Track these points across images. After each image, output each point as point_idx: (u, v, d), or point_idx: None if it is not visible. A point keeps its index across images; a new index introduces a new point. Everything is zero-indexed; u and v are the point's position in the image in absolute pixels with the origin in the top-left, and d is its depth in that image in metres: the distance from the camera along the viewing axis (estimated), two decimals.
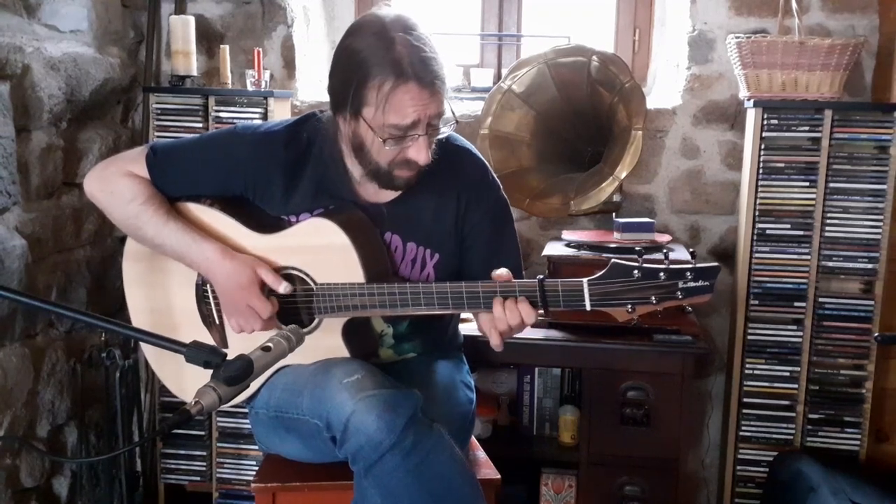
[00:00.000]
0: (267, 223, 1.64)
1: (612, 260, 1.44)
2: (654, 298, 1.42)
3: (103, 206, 1.68)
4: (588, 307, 1.44)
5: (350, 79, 1.48)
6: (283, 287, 1.58)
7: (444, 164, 1.60)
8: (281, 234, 1.62)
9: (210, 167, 1.65)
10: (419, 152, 1.51)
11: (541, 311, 1.49)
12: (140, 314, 1.76)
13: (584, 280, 1.44)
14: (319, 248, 1.57)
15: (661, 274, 1.41)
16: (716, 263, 1.43)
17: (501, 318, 1.47)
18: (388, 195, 1.64)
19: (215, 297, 1.67)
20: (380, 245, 1.62)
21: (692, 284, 1.41)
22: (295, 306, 1.63)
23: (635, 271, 1.42)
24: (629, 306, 1.43)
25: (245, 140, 1.64)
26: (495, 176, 1.73)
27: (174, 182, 1.66)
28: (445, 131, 1.55)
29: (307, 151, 1.63)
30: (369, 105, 1.47)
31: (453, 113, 1.54)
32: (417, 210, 1.64)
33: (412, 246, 1.66)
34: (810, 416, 2.32)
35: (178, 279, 1.69)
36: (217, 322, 1.69)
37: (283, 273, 1.62)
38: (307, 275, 1.60)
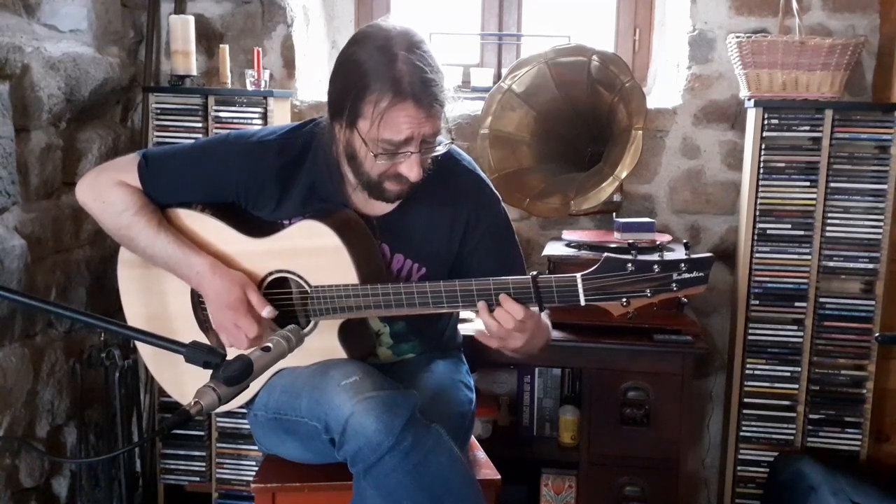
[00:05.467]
0: (259, 227, 1.64)
1: (606, 254, 1.44)
2: (648, 291, 1.41)
3: (95, 215, 1.68)
4: (582, 302, 1.44)
5: (349, 89, 1.48)
6: (266, 311, 1.57)
7: (441, 180, 1.59)
8: (273, 237, 1.61)
9: (202, 177, 1.64)
10: (411, 169, 1.50)
11: (535, 309, 1.48)
12: (137, 320, 1.75)
13: (578, 275, 1.43)
14: (312, 250, 1.57)
15: (655, 266, 1.40)
16: (709, 254, 1.43)
17: (491, 324, 1.46)
18: (381, 208, 1.63)
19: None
20: (373, 245, 1.62)
21: (686, 276, 1.41)
22: (291, 309, 1.63)
23: (629, 265, 1.41)
24: (624, 300, 1.42)
25: (237, 149, 1.63)
26: (494, 189, 1.72)
27: (165, 191, 1.65)
28: (440, 150, 1.54)
29: (301, 158, 1.62)
30: (365, 118, 1.47)
31: (450, 132, 1.54)
32: (409, 223, 1.63)
33: (399, 257, 1.65)
34: (811, 416, 2.32)
35: (173, 284, 1.69)
36: (214, 327, 1.69)
37: (277, 277, 1.62)
38: (301, 277, 1.59)
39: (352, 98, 1.47)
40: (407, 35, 1.48)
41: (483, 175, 1.71)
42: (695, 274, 1.41)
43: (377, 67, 1.44)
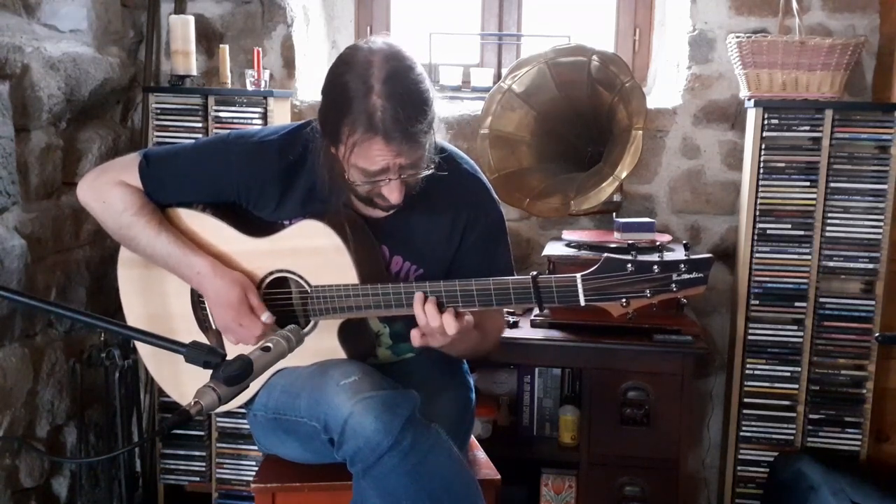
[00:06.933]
0: (259, 226, 1.63)
1: (605, 255, 1.44)
2: (648, 292, 1.41)
3: (96, 215, 1.68)
4: (582, 302, 1.44)
5: (330, 111, 1.48)
6: (265, 317, 1.57)
7: (442, 184, 1.57)
8: (273, 237, 1.61)
9: (203, 177, 1.64)
10: (391, 193, 1.49)
11: (537, 311, 1.49)
12: (136, 319, 1.75)
13: (578, 275, 1.43)
14: (312, 250, 1.57)
15: (655, 267, 1.40)
16: (709, 255, 1.43)
17: (422, 319, 1.47)
18: (380, 211, 1.63)
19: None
20: (373, 245, 1.61)
21: (686, 276, 1.41)
22: (291, 309, 1.63)
23: (629, 265, 1.41)
24: (623, 300, 1.43)
25: (238, 150, 1.62)
26: (494, 193, 1.71)
27: (166, 191, 1.65)
28: (424, 173, 1.51)
29: (302, 159, 1.61)
30: (341, 144, 1.46)
31: (433, 155, 1.51)
32: (409, 225, 1.63)
33: (398, 259, 1.65)
34: (811, 416, 2.32)
35: (173, 284, 1.69)
36: (214, 327, 1.69)
37: (277, 276, 1.62)
38: (301, 277, 1.60)
39: (331, 121, 1.47)
40: (391, 61, 1.44)
41: (483, 178, 1.71)
42: (694, 275, 1.41)
43: (355, 97, 1.42)
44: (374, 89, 1.42)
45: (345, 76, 1.45)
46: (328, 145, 1.51)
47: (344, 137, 1.45)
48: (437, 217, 1.63)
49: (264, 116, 2.37)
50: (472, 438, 1.84)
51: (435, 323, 1.46)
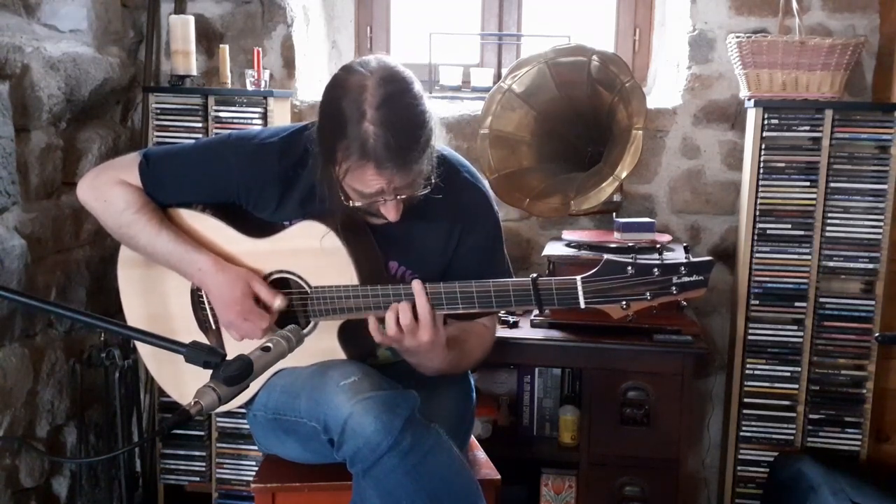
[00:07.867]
0: (259, 227, 1.64)
1: (606, 257, 1.44)
2: (648, 294, 1.42)
3: (96, 214, 1.68)
4: (582, 305, 1.44)
5: (325, 132, 1.48)
6: (277, 302, 1.58)
7: (441, 192, 1.55)
8: (273, 237, 1.62)
9: (203, 178, 1.64)
10: (388, 212, 1.49)
11: (537, 312, 1.49)
12: (136, 319, 1.75)
13: (578, 278, 1.44)
14: (312, 251, 1.57)
15: (655, 270, 1.41)
16: (709, 258, 1.43)
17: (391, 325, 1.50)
18: (380, 219, 1.62)
19: (210, 303, 1.67)
20: (372, 246, 1.62)
21: (686, 279, 1.41)
22: (290, 310, 1.63)
23: (629, 268, 1.41)
24: (624, 303, 1.43)
25: (239, 151, 1.62)
26: (491, 199, 1.70)
27: (167, 191, 1.65)
28: (421, 192, 1.51)
29: (302, 161, 1.60)
30: (336, 164, 1.46)
31: (431, 172, 1.50)
32: (406, 232, 1.62)
33: (394, 264, 1.65)
34: (811, 416, 2.32)
35: (173, 285, 1.69)
36: (214, 327, 1.69)
37: (277, 277, 1.62)
38: (301, 278, 1.60)
39: (327, 142, 1.47)
40: (386, 85, 1.43)
41: (482, 186, 1.70)
42: (695, 277, 1.41)
43: (349, 121, 1.42)
44: (367, 116, 1.41)
45: (340, 100, 1.44)
46: (325, 163, 1.50)
47: (338, 160, 1.45)
48: (435, 225, 1.63)
49: (264, 116, 2.37)
50: (472, 438, 1.84)
51: (426, 335, 1.48)
